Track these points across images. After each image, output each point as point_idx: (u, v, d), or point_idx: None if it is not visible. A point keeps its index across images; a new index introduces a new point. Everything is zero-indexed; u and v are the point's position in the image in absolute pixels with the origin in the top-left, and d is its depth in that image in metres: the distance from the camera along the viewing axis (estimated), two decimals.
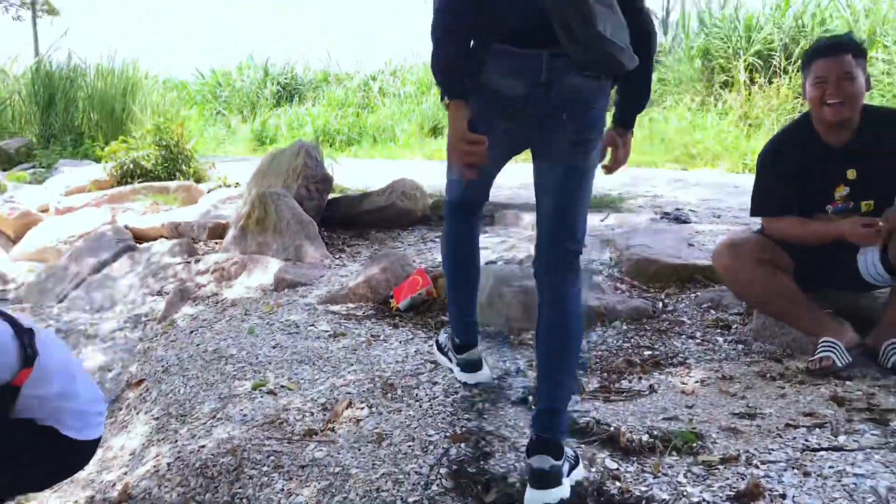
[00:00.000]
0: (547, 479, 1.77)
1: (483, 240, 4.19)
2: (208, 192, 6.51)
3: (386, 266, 3.56)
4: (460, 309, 2.43)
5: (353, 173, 7.51)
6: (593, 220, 4.35)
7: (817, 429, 2.10)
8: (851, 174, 2.56)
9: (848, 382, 2.39)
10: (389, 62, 17.45)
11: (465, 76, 1.78)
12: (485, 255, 3.87)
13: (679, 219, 4.20)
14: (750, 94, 10.30)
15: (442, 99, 1.87)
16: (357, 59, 17.61)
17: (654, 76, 11.46)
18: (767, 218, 2.70)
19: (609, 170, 2.16)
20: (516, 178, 6.63)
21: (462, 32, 1.77)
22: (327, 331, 3.16)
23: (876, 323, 2.58)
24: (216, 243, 4.82)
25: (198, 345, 3.25)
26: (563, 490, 1.79)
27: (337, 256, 4.30)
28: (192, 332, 3.49)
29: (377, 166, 9.75)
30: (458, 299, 2.43)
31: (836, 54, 2.49)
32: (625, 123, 2.17)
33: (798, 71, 10.17)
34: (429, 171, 8.73)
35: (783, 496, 1.76)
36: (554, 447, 1.80)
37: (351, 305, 3.43)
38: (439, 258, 4.01)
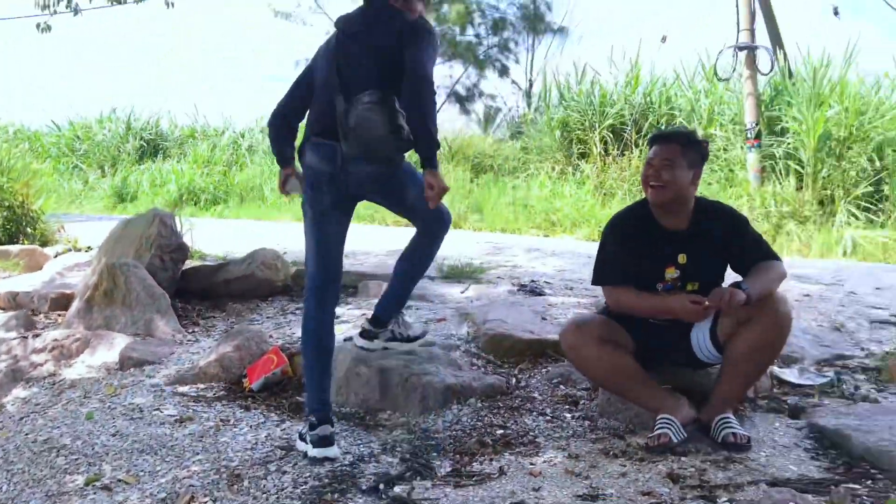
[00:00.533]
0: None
1: (343, 311, 4.18)
2: (55, 256, 6.11)
3: (240, 343, 3.45)
4: (314, 386, 2.66)
5: (216, 236, 7.30)
6: (454, 293, 4.44)
7: None
8: (682, 258, 2.75)
9: (683, 458, 2.52)
10: (260, 119, 17.25)
11: (281, 155, 2.96)
12: (344, 329, 3.85)
13: (535, 291, 4.35)
14: (605, 165, 10.95)
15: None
16: (226, 116, 17.24)
17: (516, 145, 11.90)
18: (607, 287, 2.85)
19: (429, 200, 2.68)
20: (384, 245, 6.69)
21: (275, 133, 2.98)
22: (173, 415, 3.00)
23: (708, 399, 2.75)
24: (59, 315, 4.52)
25: (27, 434, 2.99)
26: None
27: (190, 331, 4.13)
28: (21, 418, 3.22)
29: (243, 228, 9.54)
30: (312, 376, 2.68)
31: (665, 142, 2.73)
32: (423, 165, 2.65)
33: (648, 145, 10.95)
34: (297, 234, 8.65)
35: None
36: None
37: (201, 386, 3.29)
38: (299, 332, 3.94)
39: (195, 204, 13.19)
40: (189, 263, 4.97)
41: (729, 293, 2.53)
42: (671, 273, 2.76)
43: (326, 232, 2.77)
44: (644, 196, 2.83)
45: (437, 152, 2.66)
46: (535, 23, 15.89)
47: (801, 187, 8.93)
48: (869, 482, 2.33)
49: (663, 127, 11.05)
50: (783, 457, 2.53)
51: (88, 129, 17.12)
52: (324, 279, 2.76)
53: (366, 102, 2.60)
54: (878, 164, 8.77)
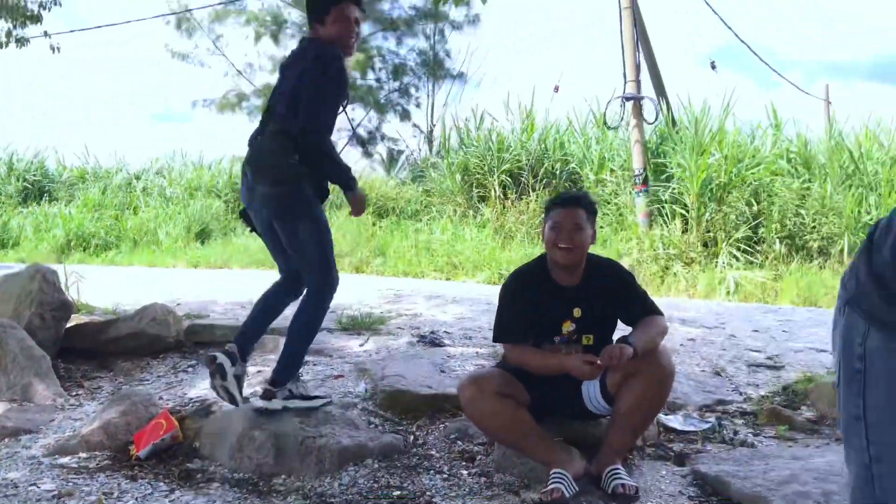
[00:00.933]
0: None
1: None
2: None
3: (126, 408, 3.31)
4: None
5: (107, 286, 6.99)
6: (353, 346, 4.41)
7: None
8: (577, 312, 2.88)
9: None
10: (155, 161, 16.75)
11: None
12: None
13: (434, 342, 4.38)
14: (504, 208, 11.23)
15: None
16: (119, 156, 16.63)
17: (418, 188, 11.95)
18: (507, 344, 2.95)
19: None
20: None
21: None
22: (52, 490, 2.83)
23: (598, 451, 2.85)
24: None
25: None
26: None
27: (73, 394, 3.92)
28: None
29: (135, 276, 9.19)
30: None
31: (572, 207, 2.86)
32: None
33: (544, 188, 11.31)
34: (192, 282, 8.39)
35: None
36: None
37: (83, 456, 3.12)
38: (190, 392, 3.82)
39: (84, 250, 12.60)
40: (74, 319, 4.74)
41: (618, 350, 2.66)
42: (567, 327, 2.89)
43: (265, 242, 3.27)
44: (540, 255, 2.98)
45: (350, 175, 3.04)
46: (434, 69, 16.22)
47: (687, 230, 9.43)
48: None
49: (558, 172, 11.49)
50: None
51: None
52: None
53: (269, 131, 3.00)
54: (755, 208, 9.38)
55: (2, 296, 4.42)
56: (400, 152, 16.86)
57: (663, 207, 9.76)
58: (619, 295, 2.91)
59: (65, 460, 3.10)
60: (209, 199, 14.11)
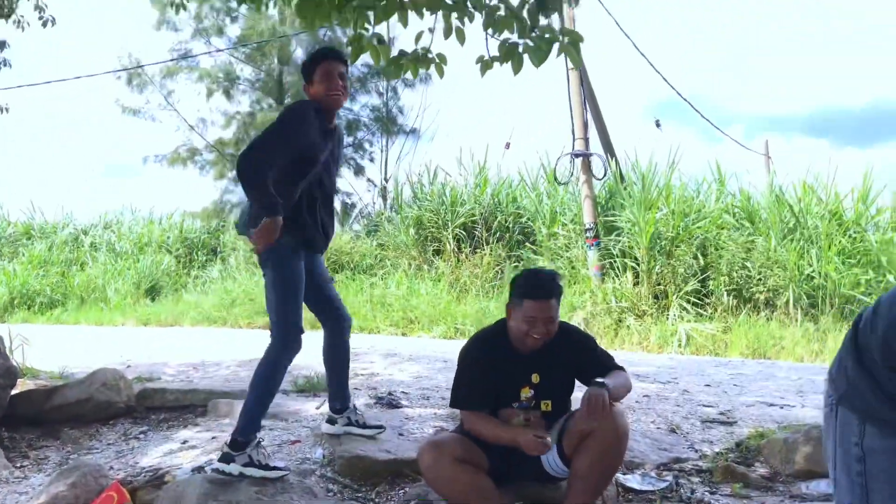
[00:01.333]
0: None
1: (191, 435, 4.00)
2: None
3: (75, 480, 3.20)
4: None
5: (53, 347, 6.81)
6: (308, 408, 4.36)
7: None
8: (535, 378, 2.92)
9: None
10: (104, 215, 16.48)
11: None
12: (192, 456, 3.67)
13: (392, 403, 4.36)
14: (458, 262, 11.31)
15: None
16: (67, 210, 16.32)
17: (373, 242, 12.00)
18: (464, 411, 2.97)
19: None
20: (236, 353, 6.48)
21: None
22: None
23: None
24: None
25: None
26: None
27: (18, 465, 3.77)
28: None
29: (83, 335, 8.94)
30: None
31: (545, 299, 2.83)
32: None
33: (497, 241, 11.45)
34: (142, 342, 8.21)
35: None
36: None
37: None
38: (142, 461, 3.71)
39: (28, 308, 12.25)
40: (20, 385, 4.59)
41: (601, 399, 2.66)
42: (526, 393, 2.92)
43: None
44: (500, 320, 3.00)
45: (271, 202, 3.02)
46: (387, 125, 16.42)
47: (638, 283, 9.62)
48: None
49: (511, 226, 11.66)
50: None
51: None
52: None
53: None
54: (702, 261, 9.64)
55: None
56: (353, 206, 16.92)
57: (615, 261, 9.96)
58: (581, 358, 2.95)
59: None
60: (159, 254, 13.92)
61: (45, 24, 7.17)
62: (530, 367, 2.91)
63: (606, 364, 2.97)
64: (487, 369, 2.90)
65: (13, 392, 4.35)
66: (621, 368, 2.98)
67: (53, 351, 6.49)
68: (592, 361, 2.95)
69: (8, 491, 3.41)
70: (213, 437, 3.90)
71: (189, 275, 13.43)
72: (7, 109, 7.71)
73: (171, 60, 15.51)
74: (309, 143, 3.14)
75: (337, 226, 15.83)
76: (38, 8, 7.14)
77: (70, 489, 3.17)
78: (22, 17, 7.15)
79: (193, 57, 15.82)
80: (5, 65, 7.57)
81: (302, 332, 3.19)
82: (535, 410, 2.92)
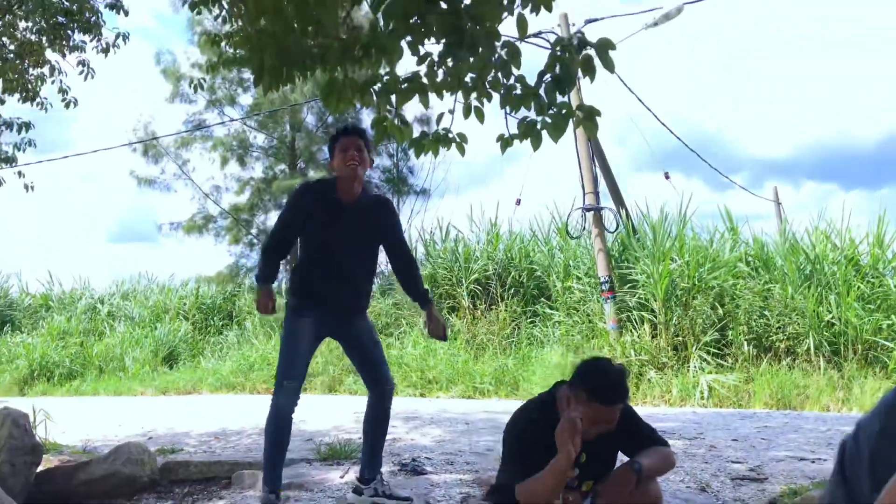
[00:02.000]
0: None
1: None
2: None
3: None
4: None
5: (74, 420, 6.81)
6: (333, 477, 4.33)
7: None
8: (583, 457, 2.78)
9: None
10: (121, 283, 16.63)
11: None
12: None
13: (416, 469, 4.32)
14: (474, 319, 11.29)
15: None
16: (83, 279, 16.50)
17: (388, 301, 12.04)
18: (518, 485, 2.78)
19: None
20: (258, 420, 6.44)
21: None
22: None
23: None
24: None
25: None
26: None
27: None
28: None
29: (102, 407, 8.94)
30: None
31: (617, 405, 2.69)
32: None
33: (512, 297, 11.45)
34: (163, 411, 8.19)
35: None
36: None
37: None
38: None
39: (48, 380, 12.28)
40: (44, 462, 4.58)
41: (626, 478, 2.63)
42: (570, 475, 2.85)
43: None
44: (546, 393, 2.91)
45: (258, 274, 3.66)
46: (399, 185, 16.65)
47: (656, 335, 9.57)
48: None
49: (525, 280, 11.68)
50: None
51: None
52: None
53: None
54: (720, 311, 9.59)
55: None
56: None
57: (632, 313, 9.93)
58: (625, 434, 2.82)
59: None
60: (176, 321, 13.99)
61: (67, 106, 7.40)
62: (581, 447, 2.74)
63: (650, 437, 2.87)
64: (536, 446, 2.76)
65: (38, 469, 4.34)
66: (664, 443, 2.89)
67: (75, 423, 6.50)
68: (635, 436, 2.85)
69: None
70: None
71: (206, 341, 13.47)
72: (32, 187, 7.90)
73: (186, 132, 15.88)
74: (298, 223, 3.56)
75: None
76: (62, 90, 7.38)
77: None
78: (45, 98, 7.39)
79: (207, 127, 16.19)
80: (31, 145, 7.78)
81: (293, 388, 3.43)
82: (576, 491, 2.87)
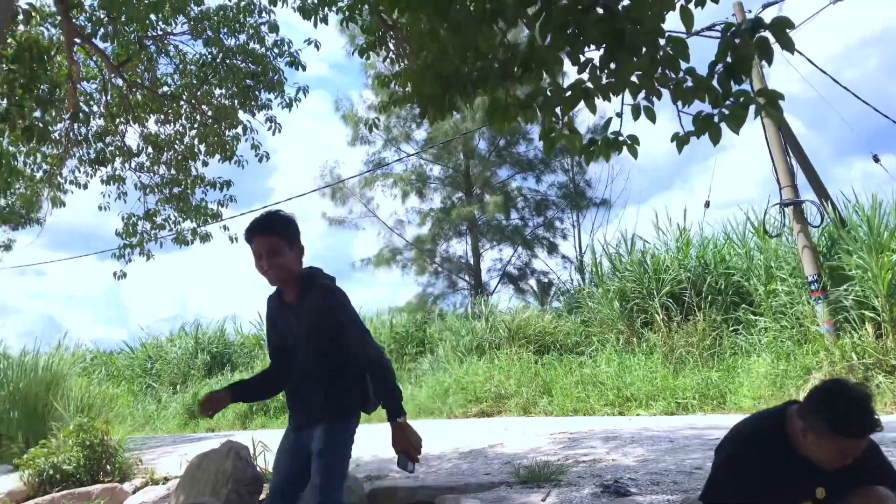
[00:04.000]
0: None
1: None
2: (134, 492, 6.15)
3: None
4: None
5: None
6: (535, 501, 4.25)
7: None
8: (821, 493, 2.50)
9: None
10: None
11: None
12: None
13: (620, 492, 4.15)
14: (670, 332, 10.78)
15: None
16: None
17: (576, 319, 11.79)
18: None
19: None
20: (456, 444, 6.54)
21: None
22: None
23: None
24: None
25: None
26: None
27: None
28: None
29: None
30: None
31: (864, 437, 2.41)
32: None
33: (710, 306, 10.81)
34: (368, 439, 8.56)
35: None
36: None
37: None
38: None
39: (265, 414, 13.29)
40: (265, 489, 4.93)
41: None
42: None
43: None
44: (778, 410, 2.60)
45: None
46: (576, 200, 16.43)
47: (881, 335, 8.59)
48: None
49: (722, 287, 10.99)
50: None
51: (160, 348, 17.79)
52: None
53: None
54: None
55: (200, 476, 4.70)
56: (551, 284, 16.94)
57: (849, 313, 9.00)
58: (864, 469, 2.49)
59: None
60: None
61: (260, 160, 8.08)
62: (817, 480, 2.48)
63: (889, 475, 2.53)
64: (756, 466, 2.50)
65: (259, 497, 4.68)
66: None
67: None
68: (875, 475, 2.51)
69: None
70: None
71: (402, 368, 13.96)
72: (236, 239, 8.67)
73: (368, 171, 16.75)
74: (269, 331, 3.16)
75: (536, 304, 15.82)
76: (255, 146, 8.07)
77: None
78: (241, 156, 8.11)
79: (387, 165, 17.00)
80: (232, 200, 8.56)
81: (273, 495, 3.03)
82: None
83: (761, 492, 2.48)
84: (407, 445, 2.88)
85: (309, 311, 2.93)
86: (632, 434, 6.28)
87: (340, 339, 2.93)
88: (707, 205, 11.76)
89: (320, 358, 2.96)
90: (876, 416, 2.35)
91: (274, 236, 2.91)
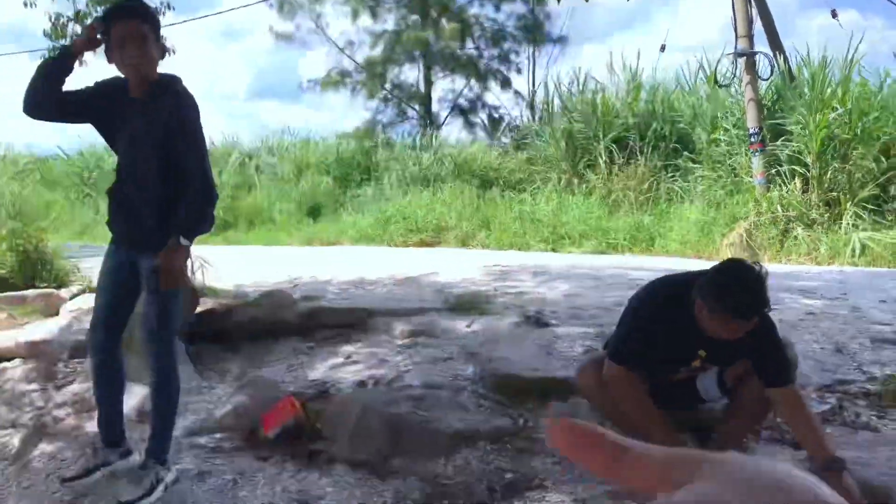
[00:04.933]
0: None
1: (353, 350, 4.28)
2: (71, 298, 6.24)
3: (254, 392, 3.55)
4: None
5: (227, 268, 7.41)
6: (460, 327, 4.51)
7: None
8: (702, 353, 2.72)
9: None
10: (265, 139, 17.41)
11: None
12: (355, 370, 3.94)
13: (541, 322, 4.42)
14: (610, 175, 11.01)
15: None
16: (232, 135, 17.41)
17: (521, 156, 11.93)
18: (617, 367, 2.75)
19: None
20: (393, 271, 6.77)
21: None
22: (192, 469, 3.09)
23: (713, 436, 2.83)
24: (79, 363, 4.62)
25: (53, 493, 3.09)
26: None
27: (205, 376, 4.22)
28: (48, 476, 3.31)
29: (253, 257, 9.66)
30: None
31: (751, 318, 2.48)
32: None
33: (652, 151, 11.00)
34: (307, 261, 8.76)
35: None
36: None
37: (218, 437, 3.38)
38: (311, 374, 4.04)
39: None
40: (203, 304, 5.08)
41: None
42: (696, 364, 2.79)
43: None
44: (681, 281, 2.74)
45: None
46: (534, 34, 15.97)
47: (807, 190, 8.95)
48: None
49: (667, 134, 11.13)
50: None
51: (100, 158, 17.33)
52: None
53: None
54: (884, 164, 8.78)
55: None
56: (501, 119, 16.84)
57: (782, 167, 9.29)
58: (759, 349, 2.63)
59: (202, 441, 3.36)
60: (318, 175, 14.58)
61: None
62: (703, 344, 2.67)
63: (781, 373, 2.62)
64: (663, 334, 2.68)
65: (198, 310, 4.82)
66: (792, 380, 2.65)
67: (228, 271, 7.07)
68: (765, 369, 2.64)
69: (199, 399, 3.84)
70: (373, 353, 4.15)
71: (346, 195, 14.02)
72: (174, 51, 8.21)
73: None
74: (94, 120, 2.79)
75: (485, 137, 15.82)
76: None
77: (250, 399, 3.52)
78: None
79: None
80: (170, 8, 8.02)
81: (95, 329, 2.93)
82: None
83: (657, 349, 2.71)
84: (169, 263, 2.69)
85: (159, 115, 2.64)
86: (560, 270, 6.58)
87: (187, 155, 2.69)
88: (663, 49, 11.64)
89: (161, 175, 2.71)
90: (765, 298, 2.50)
91: (145, 24, 2.60)
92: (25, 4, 8.22)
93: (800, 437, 2.63)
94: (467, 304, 4.90)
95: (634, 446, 0.30)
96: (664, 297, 2.79)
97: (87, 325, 4.77)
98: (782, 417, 2.68)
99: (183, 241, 2.69)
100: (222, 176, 15.38)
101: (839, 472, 2.33)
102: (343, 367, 4.04)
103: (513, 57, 16.82)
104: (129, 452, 3.03)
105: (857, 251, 7.99)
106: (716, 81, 10.34)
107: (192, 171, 2.72)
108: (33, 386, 4.31)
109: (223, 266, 7.09)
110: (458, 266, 7.26)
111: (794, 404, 2.56)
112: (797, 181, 9.04)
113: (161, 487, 2.83)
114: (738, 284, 2.50)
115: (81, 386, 4.05)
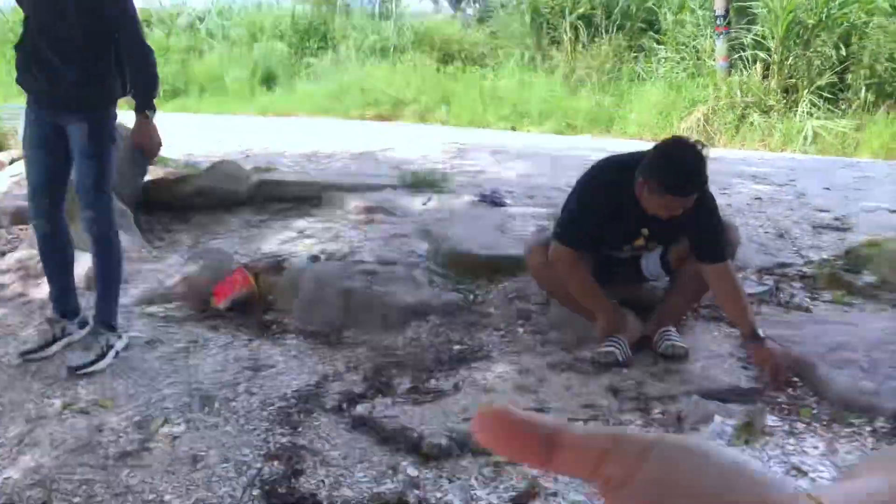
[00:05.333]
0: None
1: (307, 225, 4.27)
2: (11, 163, 6.02)
3: (205, 263, 3.54)
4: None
5: (178, 136, 7.19)
6: (416, 204, 4.50)
7: (592, 421, 2.40)
8: (645, 231, 2.80)
9: (625, 370, 2.72)
10: (216, 1, 16.49)
11: None
12: (308, 244, 3.95)
13: (496, 202, 4.44)
14: (574, 52, 10.78)
15: None
16: None
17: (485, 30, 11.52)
18: (563, 248, 2.78)
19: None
20: (348, 145, 6.66)
21: None
22: (143, 337, 3.12)
23: (653, 313, 2.93)
24: (21, 230, 4.53)
25: (1, 357, 3.10)
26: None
27: (156, 246, 4.18)
28: None
29: (204, 125, 9.37)
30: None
31: (690, 195, 2.53)
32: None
33: (618, 31, 10.75)
34: (261, 131, 8.54)
35: (555, 494, 2.03)
36: None
37: (169, 306, 3.39)
38: (263, 247, 4.03)
39: None
40: (151, 173, 4.95)
41: (779, 364, 2.53)
42: (639, 243, 2.85)
43: None
44: (626, 161, 2.74)
45: None
46: None
47: (767, 76, 8.93)
48: (790, 391, 2.56)
49: (634, 12, 10.85)
50: (717, 367, 2.74)
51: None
52: None
53: None
54: (843, 52, 8.75)
55: None
56: None
57: (745, 51, 9.20)
58: (699, 226, 2.69)
59: (152, 310, 3.37)
60: (272, 41, 13.96)
61: None
62: (646, 222, 2.73)
63: (716, 247, 2.68)
64: (607, 214, 2.74)
65: (146, 179, 4.71)
66: (726, 257, 2.70)
67: (178, 139, 6.87)
68: (700, 245, 2.71)
69: (149, 268, 3.81)
70: (327, 228, 4.14)
71: (302, 63, 13.52)
72: None
73: None
74: None
75: (448, 8, 15.20)
76: None
77: (202, 270, 3.52)
78: None
79: None
80: None
81: (35, 201, 2.85)
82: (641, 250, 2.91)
83: (600, 229, 2.77)
84: (146, 140, 2.79)
85: None
86: (518, 150, 6.55)
87: (122, 18, 2.65)
88: None
89: (88, 27, 2.63)
90: (703, 175, 2.54)
91: None
92: None
93: (727, 311, 2.82)
94: (424, 181, 4.87)
95: (571, 429, 0.29)
96: (608, 177, 2.83)
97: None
98: (713, 293, 2.79)
99: (149, 112, 2.75)
100: (170, 39, 14.64)
101: (762, 341, 2.54)
102: (297, 240, 4.04)
103: None
104: (87, 323, 3.03)
105: (809, 139, 8.10)
106: None
107: (131, 35, 2.69)
108: None
109: (173, 134, 6.88)
110: (415, 142, 7.17)
111: (724, 280, 2.67)
112: (758, 67, 8.98)
113: (111, 353, 2.86)
114: (678, 162, 2.55)
115: (25, 252, 3.98)
